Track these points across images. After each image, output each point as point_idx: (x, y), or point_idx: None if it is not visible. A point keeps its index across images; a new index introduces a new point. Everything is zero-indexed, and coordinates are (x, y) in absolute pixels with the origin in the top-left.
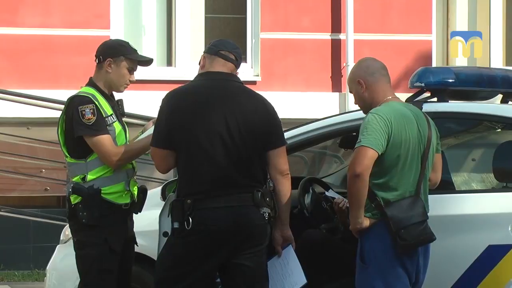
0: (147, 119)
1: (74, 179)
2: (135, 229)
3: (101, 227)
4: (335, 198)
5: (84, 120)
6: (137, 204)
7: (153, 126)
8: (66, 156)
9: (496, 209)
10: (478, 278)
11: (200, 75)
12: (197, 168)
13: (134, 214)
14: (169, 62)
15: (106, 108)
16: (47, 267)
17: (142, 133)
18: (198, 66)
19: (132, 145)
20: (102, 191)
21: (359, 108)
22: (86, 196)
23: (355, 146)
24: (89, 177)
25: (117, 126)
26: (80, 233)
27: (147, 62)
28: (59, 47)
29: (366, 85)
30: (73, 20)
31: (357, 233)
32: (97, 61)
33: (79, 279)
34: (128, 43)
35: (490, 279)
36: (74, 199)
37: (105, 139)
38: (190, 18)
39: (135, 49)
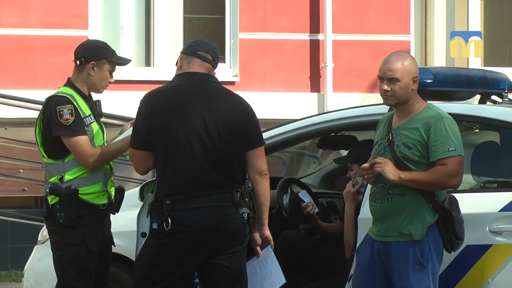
0: (126, 119)
1: (51, 180)
2: (113, 230)
3: (79, 227)
4: (304, 201)
5: (62, 121)
6: (114, 205)
7: (131, 127)
8: (44, 156)
9: (474, 210)
10: (456, 278)
11: (177, 76)
12: (176, 169)
13: (111, 215)
14: (148, 63)
15: (84, 109)
16: (25, 268)
17: (120, 134)
18: (176, 67)
19: (109, 147)
20: (79, 192)
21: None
22: (63, 197)
23: (453, 154)
24: (67, 177)
25: (95, 127)
26: (57, 233)
27: (126, 63)
28: (37, 47)
29: (417, 84)
30: (51, 20)
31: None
32: (78, 63)
33: (56, 280)
34: (107, 44)
35: (467, 279)
36: (52, 200)
37: (82, 140)
38: (169, 18)
39: (114, 50)
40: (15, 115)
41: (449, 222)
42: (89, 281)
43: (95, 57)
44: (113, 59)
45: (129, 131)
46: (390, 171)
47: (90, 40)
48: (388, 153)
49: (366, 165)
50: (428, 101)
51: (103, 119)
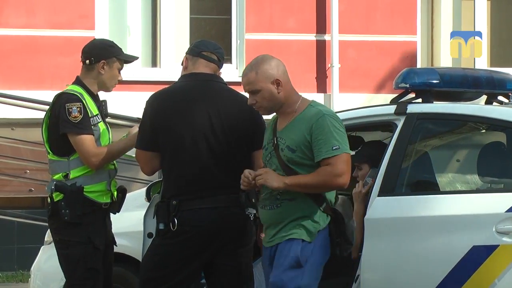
0: (132, 120)
1: (55, 177)
2: (119, 230)
3: (84, 225)
4: None
5: (70, 118)
6: (116, 204)
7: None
8: (48, 153)
9: (481, 210)
10: (463, 279)
11: (183, 77)
12: (182, 169)
13: (118, 215)
14: (154, 63)
15: (92, 108)
16: (32, 268)
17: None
18: (181, 67)
19: (112, 147)
20: (84, 189)
21: (264, 108)
22: (68, 194)
23: (337, 153)
24: (72, 174)
25: (101, 126)
26: (62, 231)
27: (133, 60)
28: (43, 48)
29: (282, 84)
30: (57, 20)
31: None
32: (88, 62)
33: (63, 280)
34: (114, 42)
35: (474, 280)
36: (56, 197)
37: (87, 139)
38: (175, 18)
39: (121, 48)
40: (22, 116)
41: (340, 225)
42: (97, 279)
43: (105, 56)
44: (122, 57)
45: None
46: (273, 179)
47: (97, 39)
48: (274, 157)
49: (247, 172)
50: (312, 99)
51: (109, 120)
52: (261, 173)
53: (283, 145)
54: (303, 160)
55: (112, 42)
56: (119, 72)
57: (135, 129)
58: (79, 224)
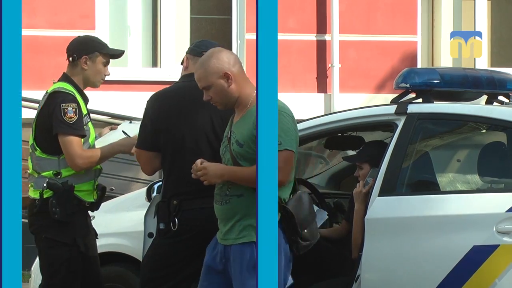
0: (131, 119)
1: (44, 174)
2: (119, 230)
3: (71, 224)
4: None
5: (66, 118)
6: (96, 203)
7: (110, 132)
8: (36, 150)
9: (481, 210)
10: (463, 279)
11: (184, 77)
12: (182, 169)
13: (118, 215)
14: (155, 63)
15: (83, 108)
16: (32, 268)
17: (98, 137)
18: (182, 67)
19: (97, 152)
20: (75, 188)
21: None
22: (60, 192)
23: (278, 149)
24: (64, 173)
25: (91, 127)
26: (50, 230)
27: (119, 54)
28: (44, 48)
29: (233, 78)
30: (58, 20)
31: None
32: (71, 59)
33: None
34: (98, 38)
35: (474, 279)
36: (45, 194)
37: (76, 140)
38: (175, 18)
39: (105, 43)
40: (23, 116)
41: (290, 223)
42: (76, 281)
43: (86, 51)
44: (105, 51)
45: (107, 136)
46: (213, 176)
47: (80, 35)
48: (228, 152)
49: (199, 163)
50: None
51: (109, 119)
52: (201, 169)
53: (234, 139)
54: (251, 155)
55: (95, 37)
56: (105, 67)
57: (106, 130)
58: (67, 223)
